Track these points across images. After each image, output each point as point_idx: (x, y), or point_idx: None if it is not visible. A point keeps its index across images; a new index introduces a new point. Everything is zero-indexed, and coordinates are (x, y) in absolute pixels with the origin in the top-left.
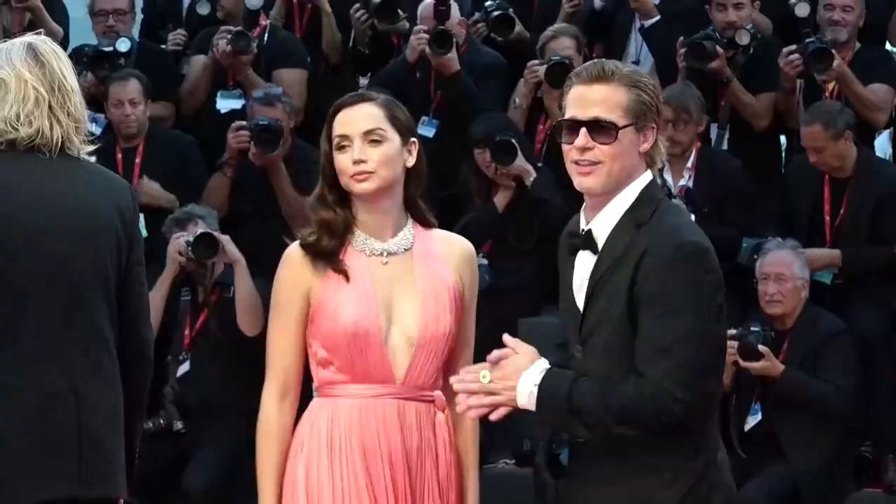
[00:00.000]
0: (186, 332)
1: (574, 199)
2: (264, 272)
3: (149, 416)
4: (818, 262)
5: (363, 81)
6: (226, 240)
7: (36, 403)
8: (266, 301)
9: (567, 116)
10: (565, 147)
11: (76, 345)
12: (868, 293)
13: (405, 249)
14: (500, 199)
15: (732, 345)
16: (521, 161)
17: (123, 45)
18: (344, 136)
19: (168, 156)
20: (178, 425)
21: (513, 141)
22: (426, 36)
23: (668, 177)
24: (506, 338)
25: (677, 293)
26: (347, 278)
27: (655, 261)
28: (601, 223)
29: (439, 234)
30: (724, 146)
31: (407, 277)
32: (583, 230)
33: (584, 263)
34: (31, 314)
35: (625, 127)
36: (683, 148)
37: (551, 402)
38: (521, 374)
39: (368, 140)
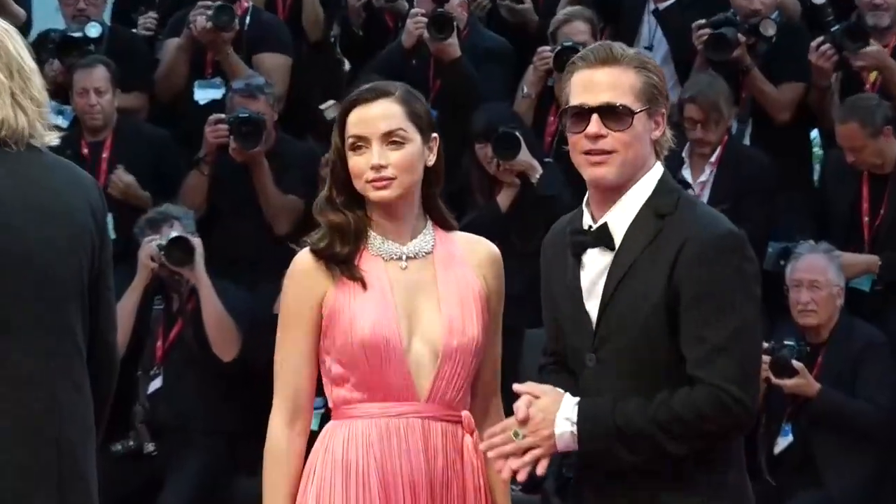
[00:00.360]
0: (159, 343)
1: (583, 195)
2: (243, 276)
3: (118, 437)
4: (855, 268)
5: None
6: (199, 253)
7: (18, 425)
8: (247, 316)
9: (574, 103)
10: (573, 137)
11: (58, 356)
12: None
13: (426, 253)
14: (504, 198)
15: (765, 359)
16: (525, 155)
17: (94, 31)
18: (360, 137)
19: (140, 151)
20: (150, 447)
21: (516, 133)
22: (424, 19)
23: (686, 173)
24: (516, 387)
25: (728, 286)
26: (364, 286)
27: (699, 252)
28: (617, 216)
29: (461, 236)
30: (746, 141)
31: (429, 283)
32: (590, 226)
33: (597, 262)
34: (15, 324)
35: (639, 112)
36: (713, 147)
37: (595, 434)
38: (554, 418)
39: (388, 142)
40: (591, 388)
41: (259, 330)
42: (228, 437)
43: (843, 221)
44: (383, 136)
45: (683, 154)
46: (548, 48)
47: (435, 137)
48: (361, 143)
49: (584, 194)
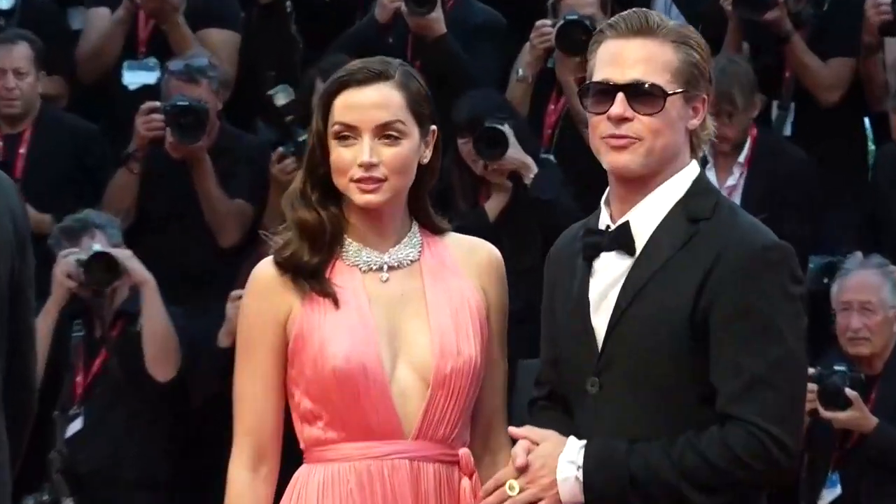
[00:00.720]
0: (79, 378)
1: (589, 199)
2: (181, 295)
3: (31, 489)
4: None
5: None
6: (127, 256)
7: None
8: (184, 341)
9: (598, 79)
10: (594, 118)
11: None
12: None
13: (411, 261)
14: (493, 204)
15: (811, 388)
16: (516, 152)
17: (5, 2)
18: (349, 127)
19: (62, 146)
20: (69, 502)
21: (501, 128)
22: None
23: (710, 175)
24: (512, 430)
25: (772, 308)
26: (337, 302)
27: (739, 267)
28: (642, 215)
29: (454, 238)
30: (788, 131)
31: (415, 296)
32: (608, 226)
33: (612, 268)
34: None
35: (674, 94)
36: (732, 143)
37: (605, 482)
38: (556, 463)
39: (382, 135)
40: (591, 419)
41: (198, 359)
42: (163, 488)
43: None
44: (377, 129)
45: (705, 152)
46: (548, 22)
47: (433, 130)
48: (350, 133)
49: (589, 197)
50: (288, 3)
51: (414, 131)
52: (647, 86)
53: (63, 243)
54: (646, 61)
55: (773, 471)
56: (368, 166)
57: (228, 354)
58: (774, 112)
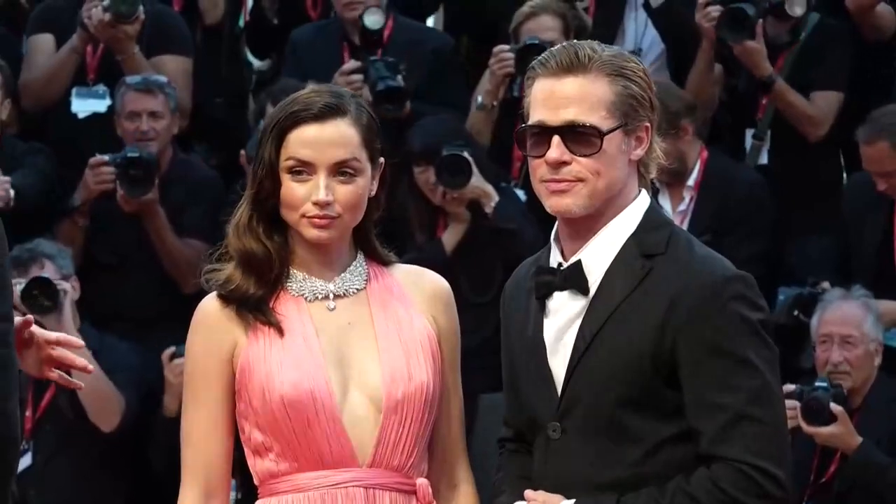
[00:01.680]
0: (28, 413)
1: (546, 228)
2: (133, 333)
3: None
4: (887, 317)
5: (258, 64)
6: (69, 296)
7: None
8: (135, 378)
9: (533, 121)
10: (533, 161)
11: None
12: None
13: (357, 289)
14: (450, 236)
15: (793, 404)
16: (477, 181)
17: None
18: (304, 163)
19: (23, 176)
20: None
21: (464, 155)
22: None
23: (663, 202)
24: (528, 493)
25: (739, 341)
26: (282, 332)
27: (699, 303)
28: (594, 253)
29: (400, 269)
30: (763, 160)
31: (363, 324)
32: (560, 264)
33: (566, 308)
34: None
35: (610, 132)
36: (691, 162)
37: None
38: None
39: (337, 173)
40: (555, 464)
41: (151, 395)
42: None
43: (870, 261)
44: (333, 167)
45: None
46: (507, 47)
47: (381, 163)
48: (304, 168)
49: (548, 229)
50: (238, 26)
51: (368, 167)
52: (582, 127)
53: (11, 272)
54: (579, 101)
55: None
56: (324, 205)
57: (176, 421)
58: (748, 141)
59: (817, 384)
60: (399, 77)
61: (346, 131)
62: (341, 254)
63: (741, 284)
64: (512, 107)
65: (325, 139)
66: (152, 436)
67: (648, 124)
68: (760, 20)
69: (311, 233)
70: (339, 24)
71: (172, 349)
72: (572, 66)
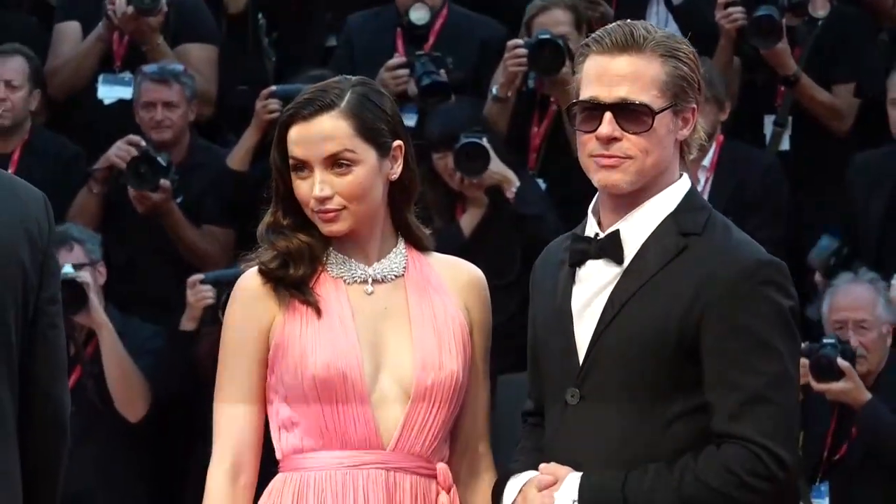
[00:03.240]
0: None
1: (575, 219)
2: (155, 315)
3: None
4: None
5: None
6: (93, 290)
7: None
8: (160, 360)
9: (585, 97)
10: (583, 136)
11: None
12: None
13: (395, 276)
14: (468, 220)
15: (803, 362)
16: (496, 166)
17: None
18: (301, 161)
19: (48, 169)
20: None
21: (481, 142)
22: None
23: None
24: (542, 467)
25: (766, 325)
26: (319, 312)
27: (731, 284)
28: (633, 226)
29: (439, 258)
30: (786, 145)
31: (398, 311)
32: (597, 234)
33: (598, 276)
34: None
35: (661, 111)
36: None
37: None
38: (552, 501)
39: (332, 167)
40: (571, 432)
41: (177, 376)
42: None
43: (875, 241)
44: (326, 161)
45: None
46: (521, 42)
47: (399, 145)
48: (303, 166)
49: (576, 218)
50: (260, 15)
51: (368, 155)
52: (634, 105)
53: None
54: (633, 79)
55: (774, 488)
56: (322, 200)
57: (192, 336)
58: (769, 128)
59: (825, 341)
60: (443, 71)
61: (334, 124)
62: (377, 239)
63: (774, 270)
64: (527, 98)
65: (313, 135)
66: (169, 352)
67: (695, 105)
68: (783, 20)
69: (323, 228)
70: (396, 10)
71: (199, 276)
72: (627, 45)
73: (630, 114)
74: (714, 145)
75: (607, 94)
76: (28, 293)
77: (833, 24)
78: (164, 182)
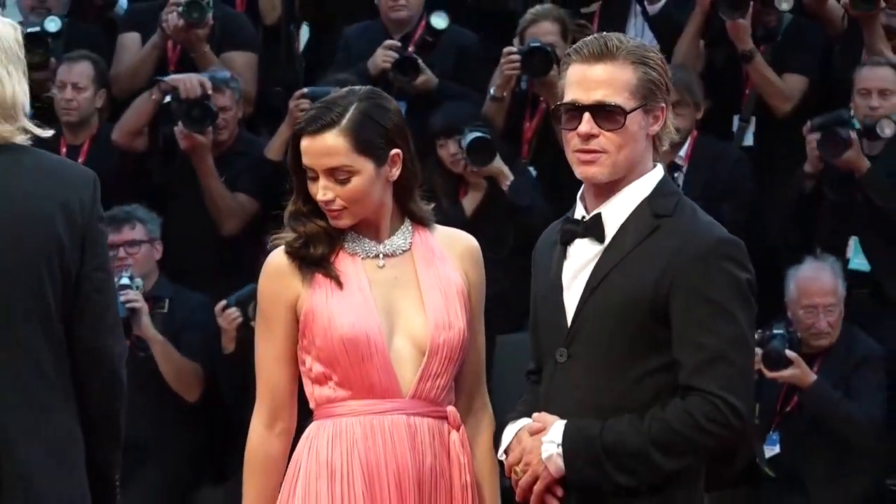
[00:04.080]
0: None
1: (563, 201)
2: (201, 285)
3: None
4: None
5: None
6: (143, 311)
7: None
8: (210, 329)
9: (567, 100)
10: (566, 134)
11: (5, 376)
12: None
13: (403, 250)
14: (469, 202)
15: (756, 352)
16: (497, 162)
17: (53, 25)
18: (309, 167)
19: (113, 157)
20: None
21: (489, 138)
22: (392, 55)
23: None
24: (535, 416)
25: (725, 294)
26: (340, 284)
27: (695, 258)
28: (613, 209)
29: (440, 231)
30: (749, 141)
31: (409, 280)
32: (584, 217)
33: (584, 253)
34: None
35: (633, 111)
36: (682, 135)
37: (581, 455)
38: (541, 443)
39: (333, 175)
40: (560, 386)
41: (225, 371)
42: (186, 455)
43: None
44: (327, 172)
45: None
46: (514, 49)
47: (397, 154)
48: (312, 171)
49: (564, 200)
50: (292, 27)
51: (365, 166)
52: (609, 106)
53: (108, 228)
54: (607, 84)
55: (728, 434)
56: (326, 202)
57: (233, 359)
58: (735, 125)
59: (775, 332)
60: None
61: (332, 143)
62: (385, 222)
63: (733, 247)
64: (520, 98)
65: (316, 150)
66: (218, 371)
67: (664, 105)
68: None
69: (332, 222)
70: (382, 23)
71: (224, 302)
72: (602, 55)
73: (605, 114)
74: (689, 139)
75: (586, 97)
76: (68, 264)
77: (791, 31)
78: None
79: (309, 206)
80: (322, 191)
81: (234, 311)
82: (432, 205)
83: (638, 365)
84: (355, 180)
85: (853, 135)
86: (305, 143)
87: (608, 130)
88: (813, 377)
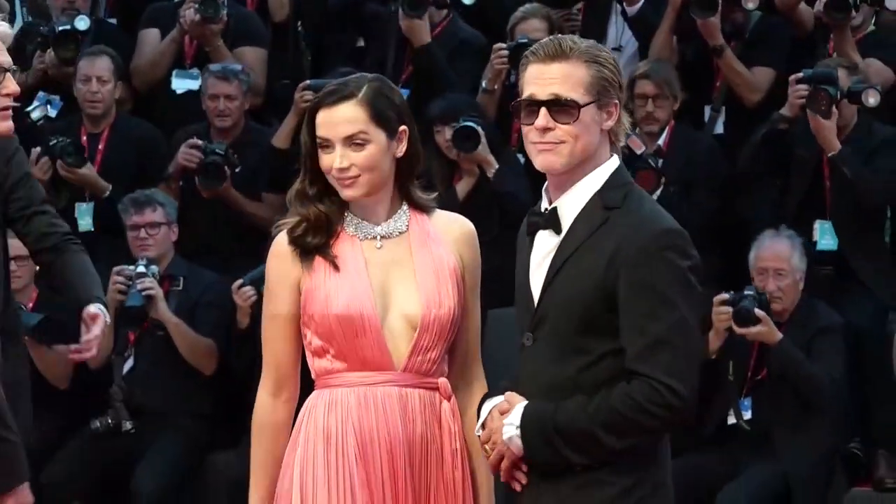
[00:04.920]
0: (130, 334)
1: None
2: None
3: (97, 415)
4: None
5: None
6: (158, 297)
7: None
8: (226, 308)
9: (525, 96)
10: (525, 128)
11: None
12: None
13: (400, 232)
14: (462, 187)
15: (727, 310)
16: (483, 150)
17: (82, 24)
18: (325, 139)
19: (131, 146)
20: (128, 425)
21: (476, 127)
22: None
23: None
24: (507, 395)
25: (666, 282)
26: (337, 266)
27: (639, 248)
28: (568, 202)
29: (438, 215)
30: (720, 129)
31: (404, 261)
32: (545, 209)
33: (545, 244)
34: None
35: (586, 105)
36: (661, 125)
37: (538, 436)
38: (503, 424)
39: (350, 144)
40: (526, 368)
41: (238, 345)
42: (200, 418)
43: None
44: (345, 139)
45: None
46: (503, 45)
47: (404, 130)
48: (327, 143)
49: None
50: (299, 23)
51: (378, 136)
52: (564, 100)
53: (130, 211)
54: (562, 80)
55: (670, 415)
56: (341, 170)
57: (249, 332)
58: (707, 114)
59: (746, 292)
60: None
61: (352, 111)
62: (385, 204)
63: (676, 237)
64: (510, 91)
65: (336, 119)
66: (232, 345)
67: (617, 101)
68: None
69: (343, 192)
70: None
71: (240, 281)
72: (557, 55)
73: (561, 108)
74: (667, 128)
75: (542, 92)
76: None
77: (758, 28)
78: (227, 173)
79: (314, 189)
80: (339, 159)
81: (249, 290)
82: (434, 194)
83: (593, 349)
84: (370, 148)
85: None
86: (323, 114)
87: (563, 123)
88: (779, 336)
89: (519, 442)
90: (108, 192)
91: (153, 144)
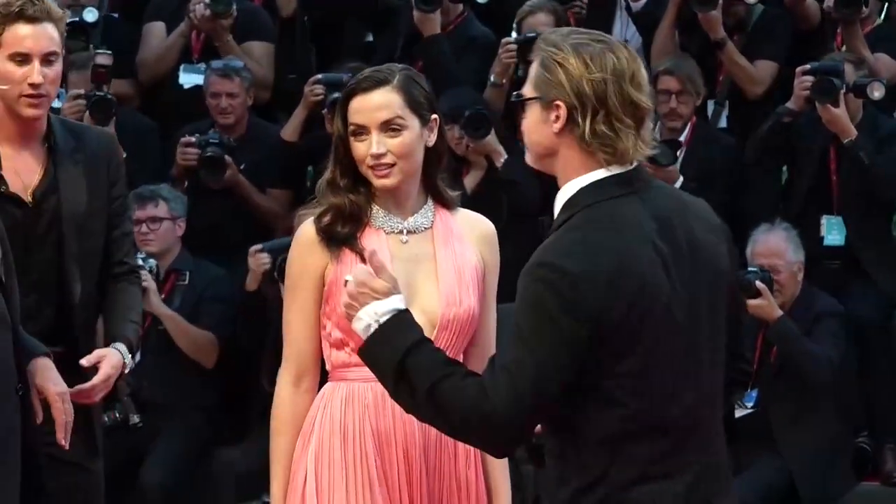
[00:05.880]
0: None
1: (551, 184)
2: (223, 257)
3: (105, 409)
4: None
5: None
6: (152, 290)
7: None
8: (230, 300)
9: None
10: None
11: None
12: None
13: (425, 228)
14: (470, 180)
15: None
16: (492, 139)
17: (90, 16)
18: (360, 126)
19: (129, 137)
20: (135, 419)
21: (486, 113)
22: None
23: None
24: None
25: (523, 316)
26: (363, 259)
27: (520, 275)
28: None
29: (461, 213)
30: (723, 123)
31: (427, 257)
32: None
33: None
34: None
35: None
36: (684, 121)
37: (384, 348)
38: (367, 302)
39: (386, 130)
40: None
41: (243, 309)
42: (207, 412)
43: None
44: (381, 125)
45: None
46: (511, 39)
47: (434, 118)
48: (361, 131)
49: (552, 185)
50: (305, 18)
51: (413, 123)
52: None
53: (133, 206)
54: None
55: (476, 432)
56: (377, 156)
57: (255, 296)
58: (711, 108)
59: (749, 269)
60: None
61: (388, 96)
62: (412, 199)
63: (549, 272)
64: (517, 85)
65: (372, 104)
66: (239, 311)
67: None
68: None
69: (377, 182)
70: None
71: (259, 245)
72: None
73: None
74: (689, 126)
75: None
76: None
77: (761, 22)
78: (229, 160)
79: (345, 180)
80: (375, 145)
81: (264, 256)
82: (458, 192)
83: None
84: (406, 134)
85: (843, 89)
86: (357, 101)
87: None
88: (779, 312)
89: (365, 333)
90: None
91: (150, 137)
